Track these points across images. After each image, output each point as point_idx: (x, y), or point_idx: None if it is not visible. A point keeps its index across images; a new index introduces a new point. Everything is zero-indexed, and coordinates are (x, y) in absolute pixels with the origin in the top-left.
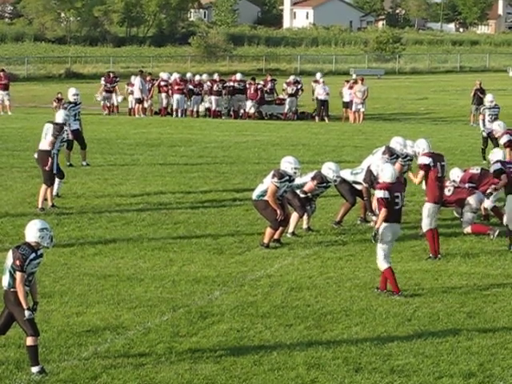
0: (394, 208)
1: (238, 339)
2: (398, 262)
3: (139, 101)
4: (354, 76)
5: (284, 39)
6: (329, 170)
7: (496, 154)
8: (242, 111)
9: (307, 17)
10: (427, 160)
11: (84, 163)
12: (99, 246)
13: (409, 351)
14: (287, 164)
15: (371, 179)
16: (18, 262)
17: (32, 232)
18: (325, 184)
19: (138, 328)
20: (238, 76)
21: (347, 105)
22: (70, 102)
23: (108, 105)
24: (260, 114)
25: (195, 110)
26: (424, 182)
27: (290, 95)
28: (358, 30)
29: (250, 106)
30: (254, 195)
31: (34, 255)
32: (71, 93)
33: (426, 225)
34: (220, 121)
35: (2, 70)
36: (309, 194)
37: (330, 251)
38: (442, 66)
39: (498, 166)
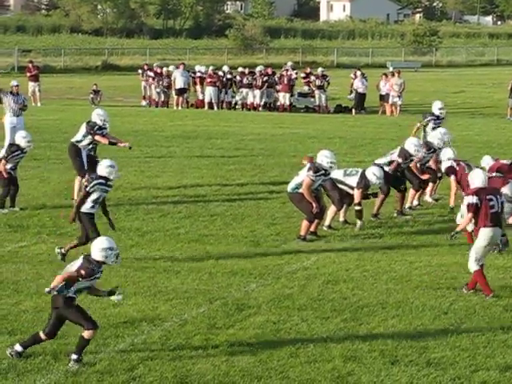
0: (491, 212)
1: (274, 331)
2: (435, 255)
3: (180, 92)
4: (391, 69)
5: (321, 32)
6: (324, 157)
7: None
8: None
9: (344, 9)
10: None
11: None
12: (136, 238)
13: (445, 344)
14: (323, 158)
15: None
16: (82, 272)
17: (97, 250)
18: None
19: (175, 320)
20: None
21: (384, 98)
22: None
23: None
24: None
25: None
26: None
27: (319, 87)
28: (395, 23)
29: (285, 98)
30: (290, 188)
31: (99, 274)
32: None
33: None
34: (256, 113)
35: (31, 62)
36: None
37: (366, 244)
38: (479, 60)
39: None
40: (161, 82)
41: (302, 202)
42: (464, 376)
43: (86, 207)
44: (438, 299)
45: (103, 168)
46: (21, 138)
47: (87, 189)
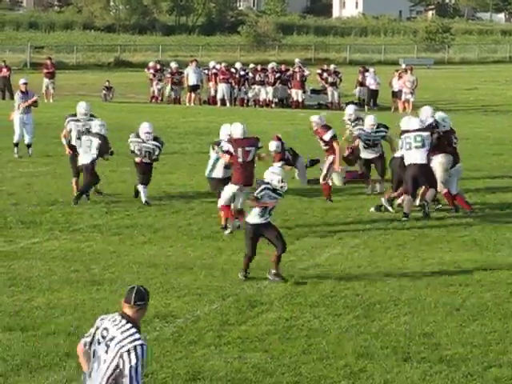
0: None
1: (286, 328)
2: (447, 252)
3: (193, 89)
4: (404, 66)
5: (333, 28)
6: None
7: None
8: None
9: (356, 6)
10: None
11: None
12: (148, 235)
13: (457, 341)
14: (225, 131)
15: None
16: None
17: None
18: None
19: (187, 316)
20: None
21: (396, 94)
22: None
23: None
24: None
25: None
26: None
27: (331, 84)
28: (408, 20)
29: (298, 95)
30: (206, 172)
31: None
32: None
33: None
34: (269, 110)
35: (49, 58)
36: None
37: (378, 241)
38: (492, 57)
39: None
40: (161, 79)
41: (218, 187)
42: (476, 373)
43: (252, 216)
44: (450, 296)
45: (267, 174)
46: (97, 126)
47: (255, 194)
